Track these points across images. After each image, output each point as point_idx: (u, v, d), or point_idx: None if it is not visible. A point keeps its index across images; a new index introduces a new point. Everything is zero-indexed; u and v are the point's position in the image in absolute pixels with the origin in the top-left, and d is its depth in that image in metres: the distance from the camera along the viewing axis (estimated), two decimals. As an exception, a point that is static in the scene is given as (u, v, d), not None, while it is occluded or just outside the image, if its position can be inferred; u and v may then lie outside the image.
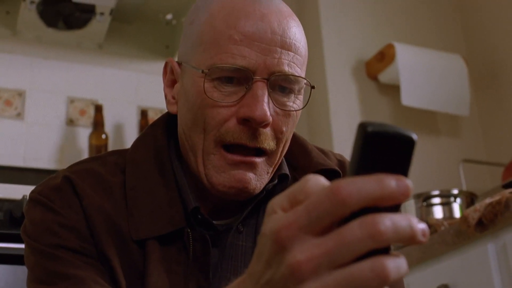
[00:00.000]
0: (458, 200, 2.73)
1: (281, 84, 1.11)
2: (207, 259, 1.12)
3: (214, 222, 1.15)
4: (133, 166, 1.18)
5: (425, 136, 3.40)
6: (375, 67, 3.32)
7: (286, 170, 1.22)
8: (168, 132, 1.23)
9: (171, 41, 3.26)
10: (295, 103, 1.13)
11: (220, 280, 1.14)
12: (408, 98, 3.19)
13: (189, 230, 1.12)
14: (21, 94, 2.97)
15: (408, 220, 0.59)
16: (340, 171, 1.25)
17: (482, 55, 3.55)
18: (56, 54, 3.10)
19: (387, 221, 0.58)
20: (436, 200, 2.74)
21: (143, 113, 3.07)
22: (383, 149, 0.61)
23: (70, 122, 3.01)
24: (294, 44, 1.12)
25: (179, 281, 1.10)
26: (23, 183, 2.28)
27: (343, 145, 3.20)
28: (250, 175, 1.11)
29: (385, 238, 0.58)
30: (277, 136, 1.12)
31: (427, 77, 3.27)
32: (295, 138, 1.28)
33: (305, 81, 1.14)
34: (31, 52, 3.05)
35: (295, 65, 1.11)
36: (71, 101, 3.05)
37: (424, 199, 2.74)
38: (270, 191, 1.19)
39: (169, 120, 1.24)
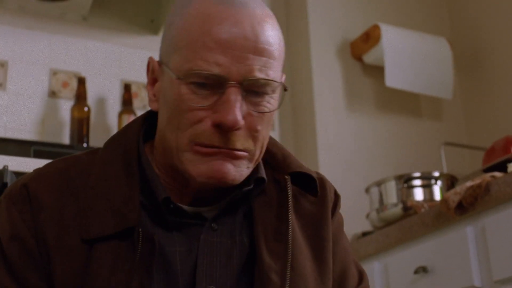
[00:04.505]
0: (439, 182, 2.74)
1: (254, 89, 1.15)
2: (152, 259, 1.14)
3: (189, 207, 1.20)
4: (99, 165, 1.22)
5: (407, 118, 3.41)
6: (360, 48, 3.32)
7: (262, 173, 1.25)
8: (145, 128, 1.27)
9: (156, 15, 3.24)
10: (270, 102, 1.17)
11: (200, 276, 1.17)
12: (392, 79, 3.20)
13: (140, 230, 1.14)
14: (3, 64, 2.95)
15: None
16: (316, 180, 1.29)
17: (466, 39, 3.56)
18: (40, 25, 3.06)
19: None
20: (417, 182, 2.75)
21: (126, 87, 3.05)
22: None
23: (53, 94, 2.99)
24: (267, 49, 1.15)
25: (122, 278, 1.12)
26: (4, 154, 2.27)
27: (326, 125, 3.21)
28: (229, 165, 1.15)
29: None
30: (253, 134, 1.16)
31: (411, 59, 3.27)
32: (273, 141, 1.33)
33: (278, 83, 1.17)
34: (14, 22, 3.02)
35: (268, 69, 1.15)
36: (54, 73, 3.02)
37: (405, 181, 2.75)
38: (246, 194, 1.22)
39: (148, 116, 1.28)
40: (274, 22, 1.20)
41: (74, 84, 3.01)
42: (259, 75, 1.13)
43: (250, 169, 1.19)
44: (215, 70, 1.11)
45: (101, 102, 3.05)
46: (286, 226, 1.22)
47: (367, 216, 2.85)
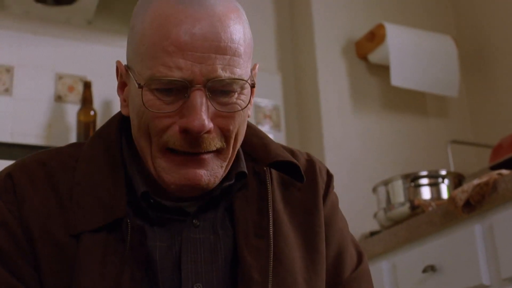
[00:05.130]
0: (446, 181, 2.73)
1: (220, 89, 1.12)
2: (143, 250, 1.14)
3: (170, 203, 1.19)
4: (84, 161, 1.21)
5: (413, 116, 3.41)
6: (365, 47, 3.32)
7: (243, 167, 1.24)
8: (123, 127, 1.25)
9: (161, 18, 3.24)
10: (240, 99, 1.14)
11: (186, 273, 1.16)
12: (398, 78, 3.20)
13: (128, 221, 1.14)
14: (9, 69, 2.95)
15: None
16: (299, 165, 1.27)
17: (471, 37, 3.55)
18: (45, 29, 3.07)
19: None
20: (424, 180, 2.75)
21: (132, 90, 3.05)
22: None
23: (59, 98, 3.00)
24: (230, 46, 1.11)
25: (113, 271, 1.12)
26: (10, 159, 2.27)
27: (332, 125, 3.20)
28: (201, 171, 1.13)
29: None
30: (225, 134, 1.14)
31: (416, 58, 3.27)
32: (254, 131, 1.31)
33: (244, 81, 1.14)
34: (19, 27, 3.03)
35: (232, 66, 1.11)
36: (60, 77, 3.03)
37: (412, 180, 2.74)
38: (227, 189, 1.21)
39: (124, 116, 1.27)
40: (238, 17, 1.16)
41: (80, 88, 3.02)
42: (223, 74, 1.10)
43: (225, 168, 1.18)
44: (177, 74, 1.08)
45: (107, 105, 3.05)
46: (267, 220, 1.20)
47: (375, 215, 2.85)
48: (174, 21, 1.10)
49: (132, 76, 1.15)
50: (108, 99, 3.06)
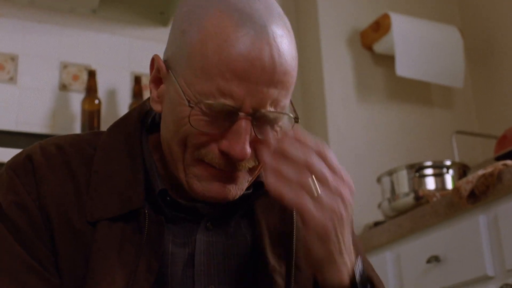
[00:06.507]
0: (451, 171, 2.73)
1: (263, 119, 1.12)
2: (160, 241, 1.14)
3: (185, 202, 1.19)
4: (102, 150, 1.21)
5: (418, 107, 3.40)
6: (370, 37, 3.31)
7: (261, 176, 1.24)
8: (144, 119, 1.25)
9: (166, 7, 3.24)
10: (278, 125, 1.15)
11: (198, 274, 1.17)
12: (403, 68, 3.19)
13: (146, 212, 1.15)
14: (13, 58, 2.95)
15: None
16: None
17: (477, 27, 3.54)
18: (50, 18, 3.07)
19: None
20: (429, 171, 2.74)
21: (137, 79, 3.05)
22: None
23: (63, 87, 3.00)
24: (282, 80, 1.12)
25: (128, 260, 1.12)
26: (15, 147, 2.27)
27: (336, 115, 3.20)
28: (231, 186, 1.15)
29: None
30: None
31: (422, 48, 3.26)
32: None
33: (287, 114, 1.16)
34: (24, 16, 3.02)
35: (280, 100, 1.12)
36: (64, 66, 3.03)
37: (417, 170, 2.74)
38: (244, 197, 1.22)
39: (146, 107, 1.26)
40: (293, 42, 1.17)
41: (84, 77, 3.02)
42: (271, 108, 1.11)
43: (250, 182, 1.19)
44: (229, 102, 1.08)
45: (112, 94, 3.05)
46: (291, 230, 1.23)
47: (379, 205, 2.85)
48: (236, 45, 1.08)
49: (174, 81, 1.14)
50: (112, 88, 3.06)
